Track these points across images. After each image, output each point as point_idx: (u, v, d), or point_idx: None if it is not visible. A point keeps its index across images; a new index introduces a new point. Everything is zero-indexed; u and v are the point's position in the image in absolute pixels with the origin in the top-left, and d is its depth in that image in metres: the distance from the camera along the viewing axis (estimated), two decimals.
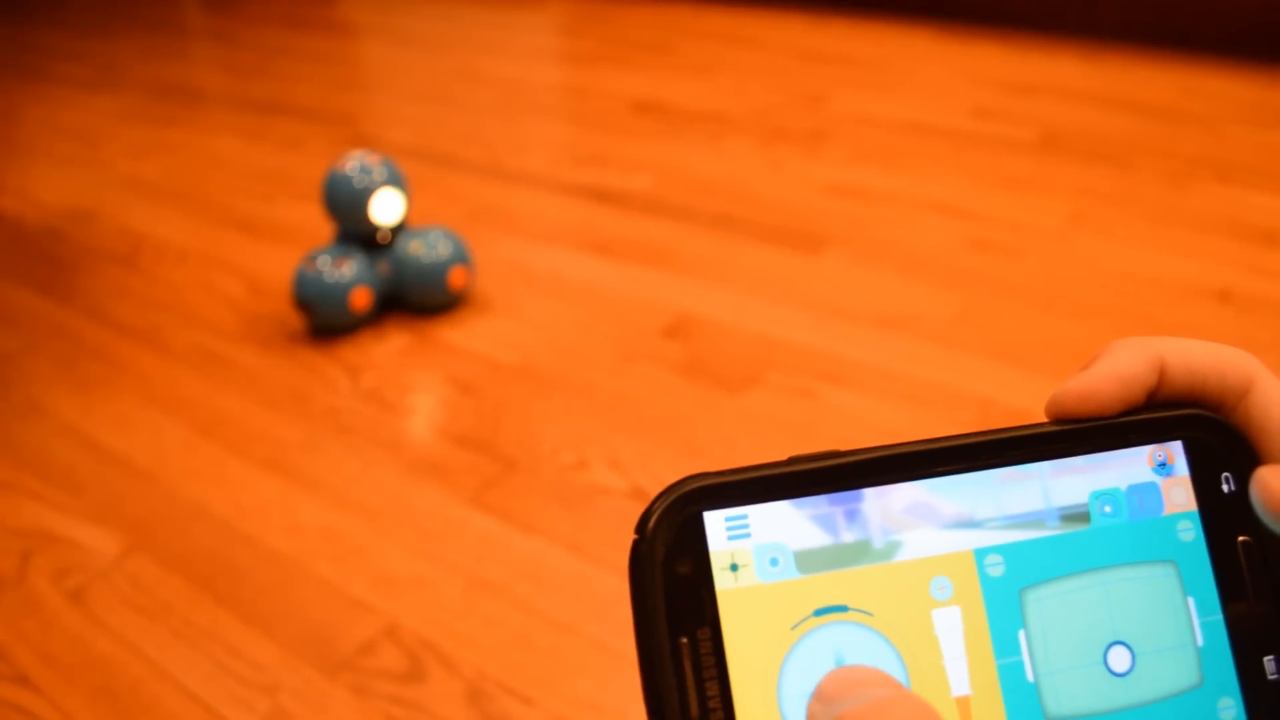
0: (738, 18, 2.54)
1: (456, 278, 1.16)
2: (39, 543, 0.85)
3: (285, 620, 0.76)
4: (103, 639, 0.75)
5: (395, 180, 1.14)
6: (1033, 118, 1.76)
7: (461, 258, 1.17)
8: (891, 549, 0.25)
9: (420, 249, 1.15)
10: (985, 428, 0.26)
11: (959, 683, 0.24)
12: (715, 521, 0.24)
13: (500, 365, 1.08)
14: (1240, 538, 0.26)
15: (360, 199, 1.12)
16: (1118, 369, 0.26)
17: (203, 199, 1.57)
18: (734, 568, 0.24)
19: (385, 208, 1.14)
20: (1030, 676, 0.25)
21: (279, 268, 1.32)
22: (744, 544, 0.24)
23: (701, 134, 1.76)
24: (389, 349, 1.12)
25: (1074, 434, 0.26)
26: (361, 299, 1.12)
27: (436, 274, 1.15)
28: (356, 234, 1.15)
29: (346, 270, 1.12)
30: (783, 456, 0.26)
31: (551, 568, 0.80)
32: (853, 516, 0.25)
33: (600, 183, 1.57)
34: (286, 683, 0.71)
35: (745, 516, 0.24)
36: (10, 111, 2.06)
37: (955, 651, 0.25)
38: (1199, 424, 0.26)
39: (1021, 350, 1.07)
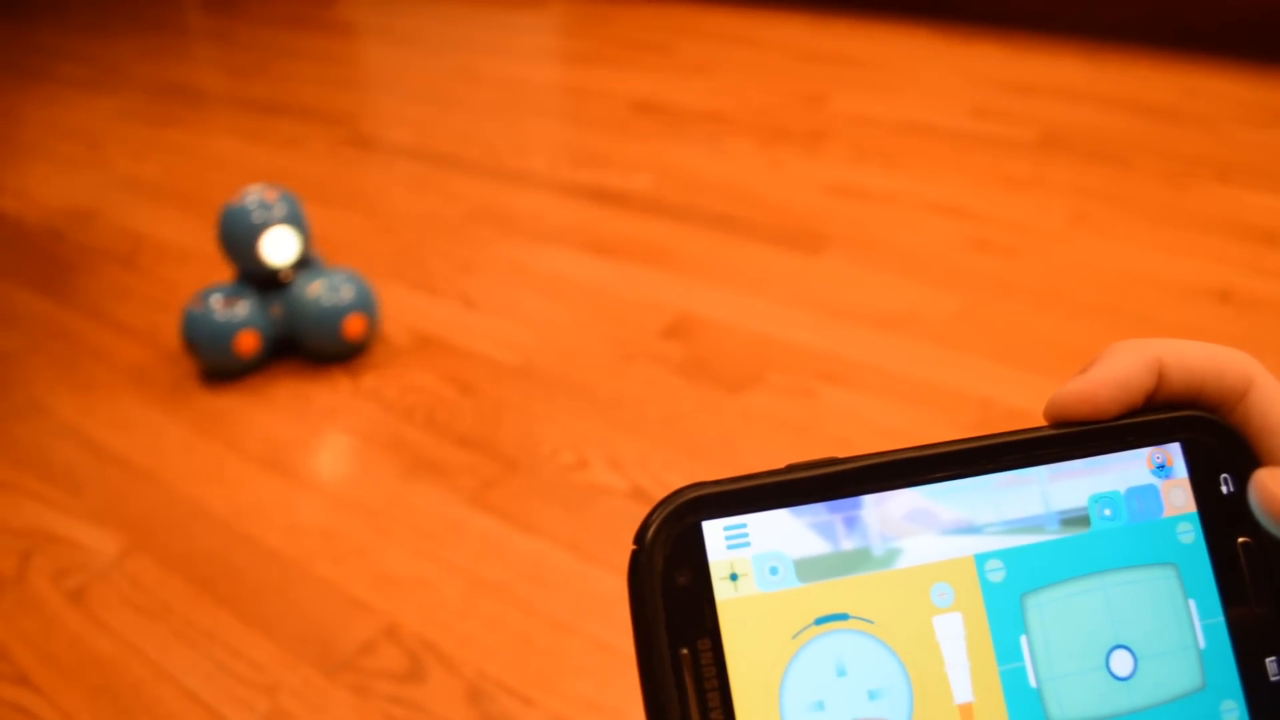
0: (738, 18, 2.54)
1: (353, 326, 1.06)
2: (39, 543, 0.85)
3: (285, 620, 0.76)
4: (103, 639, 0.75)
5: (292, 218, 1.07)
6: (1033, 118, 1.76)
7: (362, 305, 1.07)
8: (891, 556, 0.25)
9: (318, 291, 1.06)
10: (985, 427, 0.26)
11: (961, 690, 0.24)
12: (714, 531, 0.24)
13: (500, 365, 1.08)
14: (1240, 539, 0.26)
15: (251, 237, 1.05)
16: (1115, 372, 0.26)
17: (203, 199, 1.57)
18: (733, 577, 0.24)
19: (277, 247, 1.06)
20: (1033, 682, 0.25)
21: None
22: (743, 553, 0.24)
23: (701, 134, 1.76)
24: (389, 349, 1.12)
25: (1072, 437, 0.26)
26: (248, 343, 1.04)
27: (330, 321, 1.06)
28: (251, 273, 1.08)
29: (235, 311, 1.05)
30: (783, 457, 0.26)
31: (551, 568, 0.80)
32: (852, 524, 0.25)
33: (600, 183, 1.57)
34: (286, 683, 0.71)
35: (744, 525, 0.24)
36: (10, 111, 2.06)
37: (957, 658, 0.25)
38: (1197, 425, 0.26)
39: (1021, 350, 1.07)
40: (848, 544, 0.25)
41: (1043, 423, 0.27)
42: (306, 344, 1.08)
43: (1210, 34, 2.07)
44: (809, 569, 0.24)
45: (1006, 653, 0.25)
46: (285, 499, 0.89)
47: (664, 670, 0.23)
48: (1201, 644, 0.25)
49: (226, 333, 1.04)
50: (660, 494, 0.76)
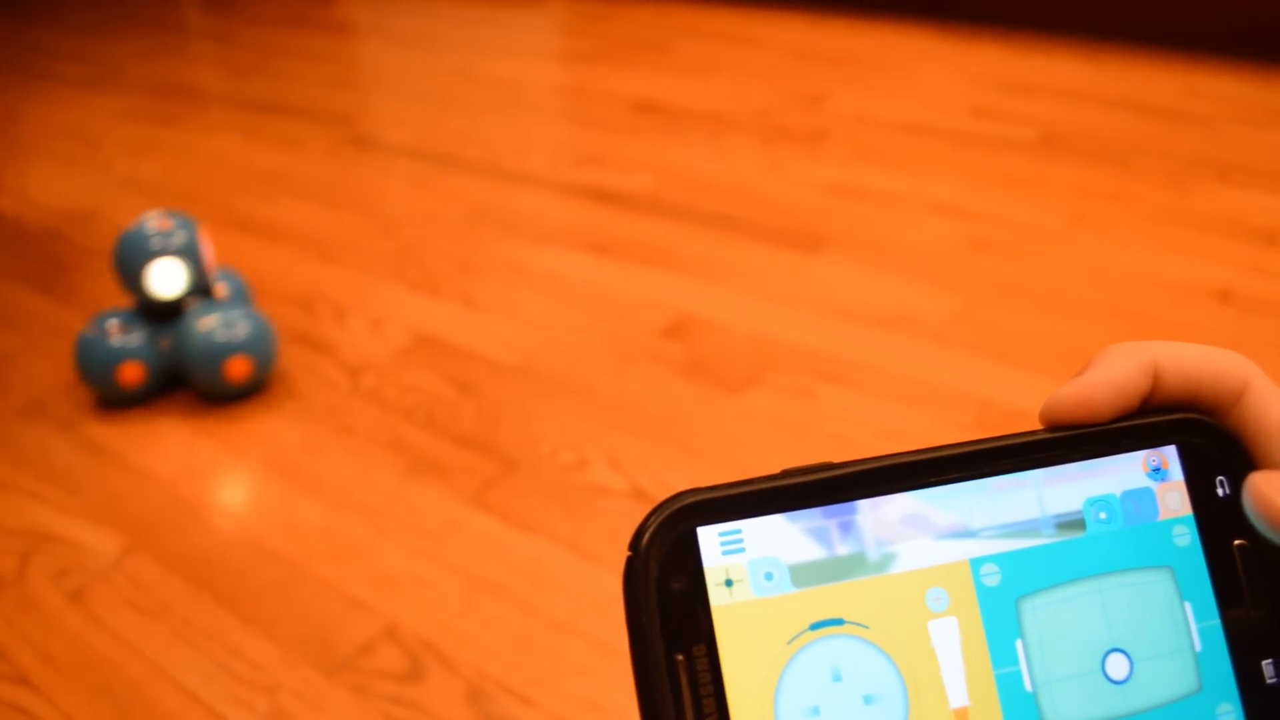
0: (737, 18, 2.54)
1: (236, 369, 1.00)
2: (39, 543, 0.85)
3: (285, 620, 0.76)
4: (103, 639, 0.75)
5: (186, 249, 1.02)
6: (1033, 118, 1.76)
7: (251, 347, 1.01)
8: (886, 561, 0.25)
9: (208, 326, 1.01)
10: (985, 428, 0.26)
11: (957, 694, 0.24)
12: (709, 537, 0.24)
13: (500, 365, 1.08)
14: (1236, 541, 0.26)
15: (138, 266, 1.01)
16: (1111, 375, 0.26)
17: (203, 199, 1.57)
18: (728, 583, 0.24)
19: (164, 278, 1.01)
20: (1028, 686, 0.25)
21: (278, 268, 1.32)
22: (738, 559, 0.24)
23: (701, 134, 1.76)
24: (389, 349, 1.12)
25: (1068, 441, 0.26)
26: (131, 374, 1.00)
27: (212, 360, 1.00)
28: (144, 301, 1.03)
29: (123, 340, 1.01)
30: (782, 457, 0.26)
31: (551, 568, 0.80)
32: (847, 529, 0.25)
33: (600, 183, 1.57)
34: (286, 683, 0.71)
35: (739, 531, 0.24)
36: (10, 111, 2.06)
37: (953, 663, 0.25)
38: (1193, 428, 0.26)
39: (1021, 350, 1.07)
40: (843, 549, 0.25)
41: (1039, 425, 0.27)
42: (191, 381, 1.03)
43: (1210, 34, 2.07)
44: (804, 574, 0.24)
45: (1002, 657, 0.25)
46: (285, 499, 0.89)
47: (659, 676, 0.23)
48: (1197, 647, 0.25)
49: (110, 362, 1.00)
50: (660, 494, 0.76)
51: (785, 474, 0.25)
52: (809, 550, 0.25)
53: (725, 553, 0.24)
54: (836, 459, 0.26)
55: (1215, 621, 0.25)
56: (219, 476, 0.93)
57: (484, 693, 0.69)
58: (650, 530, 0.24)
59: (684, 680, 0.23)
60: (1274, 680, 0.25)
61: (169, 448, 0.97)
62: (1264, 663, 0.25)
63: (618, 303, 1.20)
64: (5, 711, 0.70)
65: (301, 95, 2.07)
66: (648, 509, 0.25)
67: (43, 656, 0.74)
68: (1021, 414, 0.95)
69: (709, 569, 0.24)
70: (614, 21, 2.56)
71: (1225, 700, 0.25)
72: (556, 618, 0.75)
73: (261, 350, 1.03)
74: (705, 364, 1.07)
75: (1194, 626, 0.25)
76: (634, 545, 0.24)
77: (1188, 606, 0.25)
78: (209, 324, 1.01)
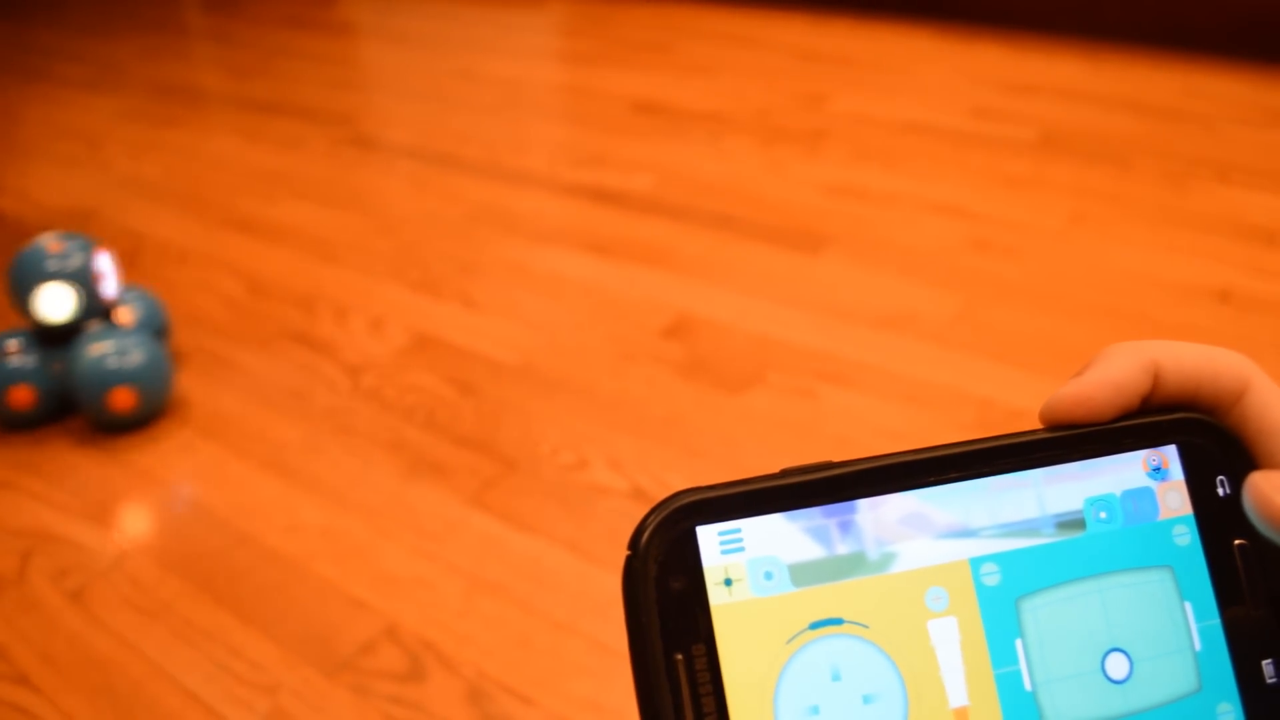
0: (738, 18, 2.54)
1: (120, 399, 0.96)
2: (39, 543, 0.85)
3: (285, 620, 0.76)
4: (102, 639, 0.75)
5: (77, 273, 0.98)
6: (1033, 118, 1.76)
7: (139, 378, 0.97)
8: (886, 560, 0.25)
9: (97, 353, 0.97)
10: (985, 428, 0.26)
11: (956, 694, 0.24)
12: (708, 536, 0.24)
13: (500, 365, 1.08)
14: (1236, 541, 0.26)
15: (26, 289, 0.98)
16: (1111, 374, 0.26)
17: (203, 199, 1.57)
18: (728, 582, 0.24)
19: (51, 303, 0.98)
20: (1028, 686, 0.25)
21: (279, 268, 1.32)
22: (737, 558, 0.24)
23: (701, 134, 1.76)
24: (389, 349, 1.12)
25: (1068, 440, 0.26)
26: (21, 397, 0.98)
27: (96, 388, 0.96)
28: (35, 324, 1.00)
29: (16, 362, 0.98)
30: (783, 457, 0.26)
31: (551, 568, 0.80)
32: (847, 528, 0.25)
33: (600, 183, 1.57)
34: (286, 683, 0.71)
35: (738, 530, 0.24)
36: (10, 111, 2.06)
37: (952, 662, 0.24)
38: (1193, 427, 0.26)
39: (1021, 350, 1.07)
40: (842, 548, 0.25)
41: (1039, 425, 0.27)
42: (79, 408, 0.99)
43: (1210, 34, 2.07)
44: (804, 574, 0.24)
45: (1002, 656, 0.25)
46: (285, 499, 0.89)
47: (659, 675, 0.23)
48: (1197, 646, 0.25)
49: (0, 383, 0.98)
50: (660, 494, 0.76)
51: (785, 473, 0.25)
52: (808, 550, 0.24)
53: (725, 552, 0.24)
54: (836, 459, 0.26)
55: (1215, 621, 0.25)
56: (219, 476, 0.93)
57: (484, 693, 0.69)
58: (649, 529, 0.24)
59: (683, 680, 0.23)
60: (1274, 680, 0.25)
61: (169, 448, 0.97)
62: (1264, 662, 0.25)
63: (618, 303, 1.20)
64: (5, 711, 0.70)
65: (302, 95, 2.07)
66: (647, 509, 0.24)
67: (43, 656, 0.74)
68: (1021, 414, 0.95)
69: (708, 568, 0.24)
70: (614, 22, 2.56)
71: (1225, 700, 0.25)
72: (556, 618, 0.75)
73: (150, 381, 0.99)
74: (705, 364, 1.07)
75: (1194, 626, 0.25)
76: (633, 545, 0.24)
77: (1188, 606, 0.25)
78: (98, 351, 0.98)
